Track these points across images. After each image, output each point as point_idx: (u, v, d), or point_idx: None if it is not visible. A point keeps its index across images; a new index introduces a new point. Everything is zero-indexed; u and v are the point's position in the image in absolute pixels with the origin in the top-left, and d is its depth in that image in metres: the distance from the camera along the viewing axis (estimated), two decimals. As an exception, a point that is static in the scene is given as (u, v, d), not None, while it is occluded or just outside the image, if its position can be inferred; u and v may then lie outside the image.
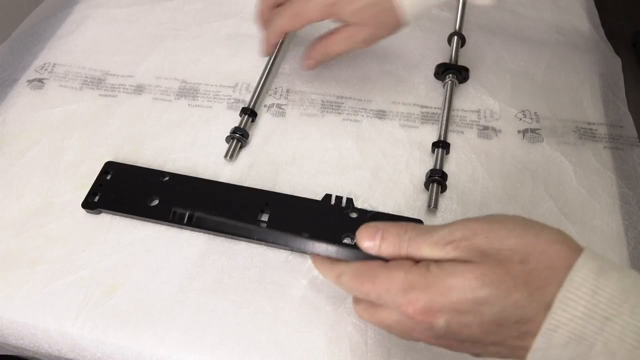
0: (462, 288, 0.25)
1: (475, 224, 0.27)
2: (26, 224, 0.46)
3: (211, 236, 0.45)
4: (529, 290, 0.24)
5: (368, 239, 0.31)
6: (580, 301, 0.23)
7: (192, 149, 0.51)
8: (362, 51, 0.60)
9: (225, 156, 0.49)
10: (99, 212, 0.46)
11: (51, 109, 0.55)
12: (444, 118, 0.51)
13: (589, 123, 0.53)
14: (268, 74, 0.55)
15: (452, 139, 0.52)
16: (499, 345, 0.26)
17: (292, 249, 0.44)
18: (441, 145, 0.49)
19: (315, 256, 0.35)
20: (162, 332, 0.40)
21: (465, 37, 0.56)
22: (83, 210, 0.46)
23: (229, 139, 0.50)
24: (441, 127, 0.51)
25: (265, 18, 0.53)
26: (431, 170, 0.48)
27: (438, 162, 0.48)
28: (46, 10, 0.66)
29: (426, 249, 0.28)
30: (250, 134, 0.52)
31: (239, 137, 0.50)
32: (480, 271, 0.25)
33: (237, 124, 0.51)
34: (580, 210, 0.46)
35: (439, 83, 0.56)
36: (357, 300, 0.32)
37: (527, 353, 0.25)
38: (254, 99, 0.53)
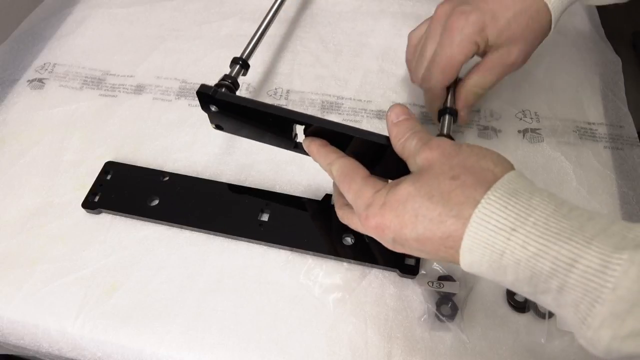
0: (404, 199, 0.30)
1: (446, 143, 0.31)
2: (26, 224, 0.46)
3: (211, 236, 0.45)
4: (451, 205, 0.28)
5: (401, 113, 0.34)
6: (492, 215, 0.26)
7: (192, 149, 0.51)
8: (362, 51, 0.60)
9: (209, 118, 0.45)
10: (99, 212, 0.46)
11: (51, 109, 0.55)
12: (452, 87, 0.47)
13: (589, 123, 0.53)
14: (269, 23, 0.51)
15: (452, 138, 0.52)
16: (436, 255, 0.29)
17: (292, 249, 0.44)
18: (449, 112, 0.45)
19: (311, 140, 0.39)
20: (162, 332, 0.40)
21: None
22: (83, 210, 0.46)
23: (217, 86, 0.44)
24: (447, 97, 0.46)
25: (416, 71, 0.46)
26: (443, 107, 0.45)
27: (445, 128, 0.44)
28: (46, 10, 0.66)
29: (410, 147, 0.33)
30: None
31: (227, 85, 0.44)
32: (420, 183, 0.30)
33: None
34: (580, 210, 0.46)
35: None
36: (340, 205, 0.37)
37: (457, 258, 0.28)
38: (249, 50, 0.49)
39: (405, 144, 0.33)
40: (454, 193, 0.28)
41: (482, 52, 0.42)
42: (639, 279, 0.22)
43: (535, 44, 0.42)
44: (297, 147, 0.43)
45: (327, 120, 0.39)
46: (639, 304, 0.22)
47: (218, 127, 0.46)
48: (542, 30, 0.41)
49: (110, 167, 0.48)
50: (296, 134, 0.43)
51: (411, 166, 0.33)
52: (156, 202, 0.46)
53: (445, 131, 0.44)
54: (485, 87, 0.43)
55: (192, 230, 0.45)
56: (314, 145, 0.38)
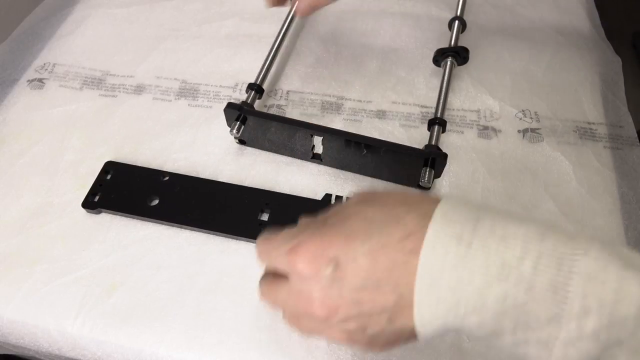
0: (351, 214, 0.27)
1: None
2: (26, 224, 0.46)
3: (211, 235, 0.45)
4: (408, 206, 0.26)
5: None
6: (456, 209, 0.25)
7: (192, 148, 0.51)
8: (362, 51, 0.60)
9: (231, 130, 0.47)
10: (99, 212, 0.46)
11: (51, 109, 0.55)
12: (442, 98, 0.50)
13: (589, 123, 0.53)
14: (278, 47, 0.55)
15: (452, 138, 0.52)
16: (381, 289, 0.25)
17: None
18: (438, 122, 0.48)
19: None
20: (162, 331, 0.40)
21: (465, 39, 0.56)
22: (83, 210, 0.46)
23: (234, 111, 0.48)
24: (438, 105, 0.50)
25: None
26: (426, 145, 0.47)
27: (434, 139, 0.48)
28: (46, 10, 0.66)
29: None
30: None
31: (248, 105, 0.49)
32: (367, 201, 0.28)
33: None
34: (580, 210, 0.46)
35: (439, 83, 0.56)
36: (263, 277, 0.32)
37: (417, 267, 0.24)
38: (262, 75, 0.52)
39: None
40: (409, 199, 0.27)
41: None
42: (605, 248, 0.22)
43: None
44: (314, 158, 0.50)
45: (345, 131, 0.45)
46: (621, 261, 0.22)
47: (241, 141, 0.51)
48: None
49: (110, 167, 0.48)
50: (314, 145, 0.48)
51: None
52: (156, 201, 0.46)
53: (433, 141, 0.46)
54: None
55: (192, 230, 0.45)
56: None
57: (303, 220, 0.30)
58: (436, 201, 0.26)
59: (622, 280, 0.21)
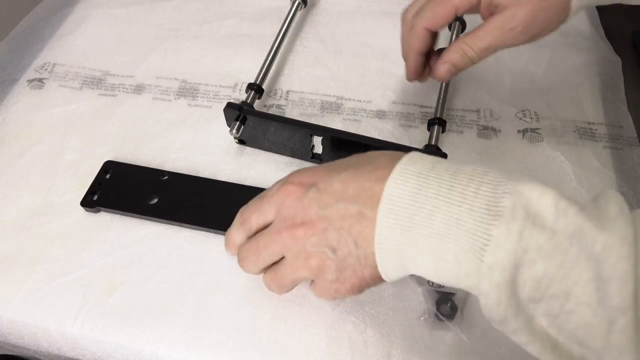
0: (328, 164, 0.33)
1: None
2: (26, 224, 0.46)
3: (211, 235, 0.45)
4: (382, 154, 0.31)
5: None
6: (418, 157, 0.30)
7: (192, 148, 0.51)
8: (362, 51, 0.60)
9: (231, 130, 0.48)
10: (98, 211, 0.46)
11: (51, 109, 0.55)
12: (442, 98, 0.51)
13: (588, 123, 0.53)
14: (278, 48, 0.55)
15: (452, 139, 0.52)
16: (348, 208, 0.30)
17: None
18: (438, 122, 0.49)
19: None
20: (162, 331, 0.40)
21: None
22: (83, 210, 0.46)
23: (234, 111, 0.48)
24: (438, 105, 0.50)
25: (410, 9, 0.43)
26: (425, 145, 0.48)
27: (434, 139, 0.48)
28: (46, 9, 0.66)
29: None
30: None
31: (248, 104, 0.49)
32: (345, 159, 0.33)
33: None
34: (580, 210, 0.46)
35: (438, 83, 0.56)
36: (266, 272, 0.36)
37: (381, 193, 0.29)
38: (261, 76, 0.52)
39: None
40: (385, 153, 0.32)
41: (486, 11, 0.39)
42: (537, 181, 0.26)
43: (547, 18, 0.37)
44: (314, 158, 0.50)
45: (345, 131, 0.46)
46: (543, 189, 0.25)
47: (241, 141, 0.51)
48: (558, 5, 0.37)
49: (110, 166, 0.48)
50: (313, 145, 0.48)
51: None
52: (155, 200, 0.46)
53: (433, 141, 0.46)
54: (477, 47, 0.39)
55: (192, 229, 0.45)
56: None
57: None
58: (406, 154, 0.31)
59: (541, 197, 0.25)
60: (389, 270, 0.30)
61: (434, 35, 0.43)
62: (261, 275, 0.43)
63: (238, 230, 0.36)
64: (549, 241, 0.24)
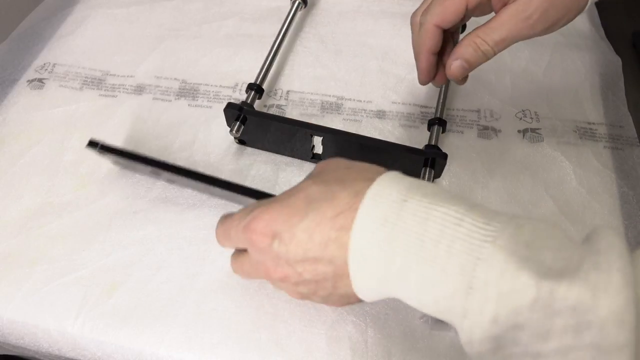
0: (297, 189, 0.30)
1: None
2: (26, 224, 0.46)
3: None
4: (346, 184, 0.28)
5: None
6: (386, 190, 0.27)
7: (192, 148, 0.51)
8: (362, 51, 0.60)
9: (231, 130, 0.48)
10: (103, 153, 0.44)
11: (51, 109, 0.55)
12: (442, 98, 0.51)
13: (589, 123, 0.53)
14: (278, 48, 0.55)
15: (452, 139, 0.52)
16: (320, 262, 0.28)
17: None
18: (438, 122, 0.49)
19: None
20: (162, 332, 0.40)
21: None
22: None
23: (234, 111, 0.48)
24: (438, 105, 0.50)
25: (420, 8, 0.41)
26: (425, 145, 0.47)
27: (434, 139, 0.48)
28: (46, 10, 0.66)
29: None
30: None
31: (248, 104, 0.49)
32: (316, 177, 0.30)
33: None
34: (580, 210, 0.47)
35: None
36: (233, 255, 0.36)
37: (348, 243, 0.27)
38: (261, 76, 0.52)
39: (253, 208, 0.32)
40: (350, 176, 0.29)
41: (499, 2, 0.37)
42: (515, 235, 0.24)
43: (562, 5, 0.35)
44: (314, 158, 0.50)
45: (345, 131, 0.45)
46: (524, 254, 0.23)
47: (241, 142, 0.51)
48: None
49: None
50: (314, 145, 0.48)
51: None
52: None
53: (433, 141, 0.46)
54: (491, 40, 0.36)
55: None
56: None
57: (256, 202, 0.33)
58: (372, 179, 0.28)
59: (519, 270, 0.22)
60: (370, 299, 0.30)
61: (445, 35, 0.40)
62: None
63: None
64: (531, 322, 0.22)
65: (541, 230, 0.24)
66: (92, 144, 0.44)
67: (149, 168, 0.44)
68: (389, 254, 0.26)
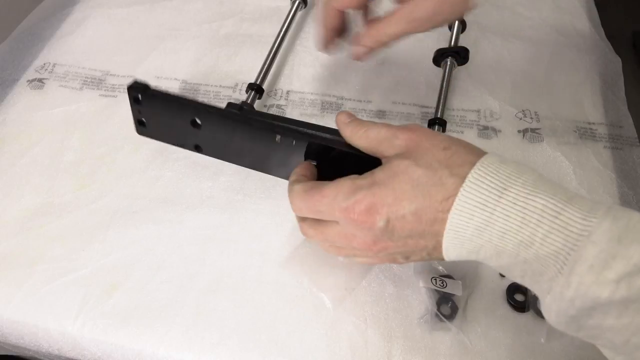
0: (401, 171, 0.30)
1: (421, 127, 0.33)
2: (26, 224, 0.46)
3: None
4: (450, 168, 0.29)
5: (351, 115, 0.36)
6: (486, 176, 0.28)
7: (192, 148, 0.51)
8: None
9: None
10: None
11: (51, 109, 0.55)
12: (442, 98, 0.51)
13: (589, 123, 0.53)
14: (278, 48, 0.55)
15: (452, 138, 0.52)
16: (424, 237, 0.30)
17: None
18: (438, 122, 0.49)
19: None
20: (162, 331, 0.40)
21: (465, 39, 0.56)
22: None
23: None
24: (438, 105, 0.51)
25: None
26: None
27: None
28: (46, 10, 0.66)
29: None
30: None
31: (247, 110, 0.48)
32: (414, 157, 0.31)
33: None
34: (580, 210, 0.46)
35: (439, 83, 0.56)
36: (302, 219, 0.35)
37: (447, 217, 0.29)
38: (262, 76, 0.52)
39: (368, 134, 0.34)
40: (451, 159, 0.30)
41: None
42: (610, 230, 0.25)
43: (449, 9, 0.40)
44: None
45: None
46: (613, 251, 0.25)
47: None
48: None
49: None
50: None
51: (386, 150, 0.33)
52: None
53: None
54: (384, 35, 0.42)
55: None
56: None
57: (349, 181, 0.32)
58: (473, 162, 0.29)
59: (604, 269, 0.25)
60: (455, 259, 0.32)
61: (346, 15, 0.45)
62: (261, 276, 0.43)
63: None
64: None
65: (636, 222, 0.26)
66: (136, 86, 0.40)
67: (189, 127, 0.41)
68: (484, 236, 0.28)
